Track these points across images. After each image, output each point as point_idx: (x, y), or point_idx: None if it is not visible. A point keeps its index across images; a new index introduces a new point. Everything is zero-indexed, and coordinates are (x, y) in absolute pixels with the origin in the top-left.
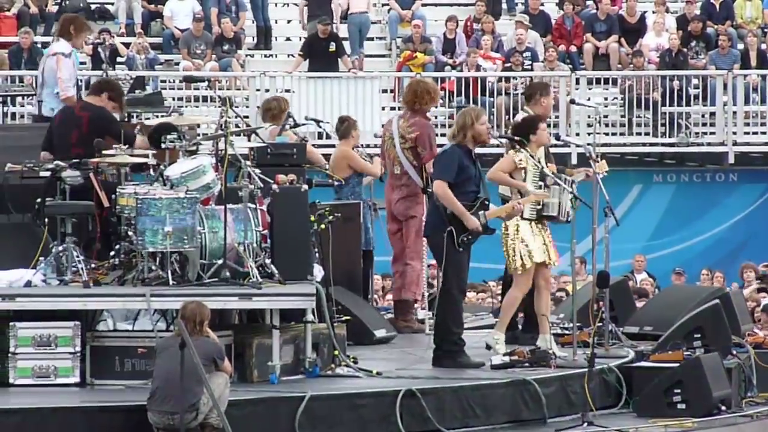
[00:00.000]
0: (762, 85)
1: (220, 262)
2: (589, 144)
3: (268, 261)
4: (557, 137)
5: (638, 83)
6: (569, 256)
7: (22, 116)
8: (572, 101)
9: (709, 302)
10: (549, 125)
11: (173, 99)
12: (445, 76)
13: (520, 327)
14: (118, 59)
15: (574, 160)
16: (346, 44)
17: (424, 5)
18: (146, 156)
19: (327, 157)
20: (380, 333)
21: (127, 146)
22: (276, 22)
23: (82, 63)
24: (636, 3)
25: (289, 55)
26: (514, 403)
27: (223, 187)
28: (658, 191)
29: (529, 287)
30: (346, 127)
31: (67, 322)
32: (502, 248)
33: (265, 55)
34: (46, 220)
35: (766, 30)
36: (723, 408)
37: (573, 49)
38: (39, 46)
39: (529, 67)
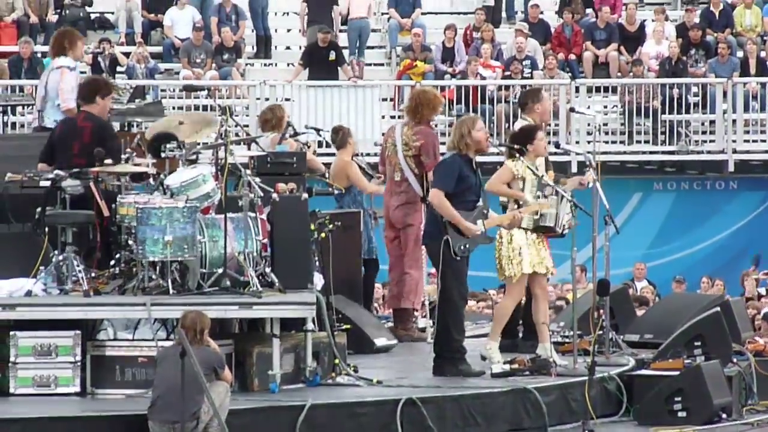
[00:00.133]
0: (762, 93)
1: (220, 271)
2: (589, 152)
3: (268, 270)
4: (557, 145)
5: (638, 91)
6: (569, 264)
7: (22, 126)
8: (572, 110)
9: (710, 310)
10: (549, 133)
11: (173, 108)
12: (444, 85)
13: (520, 335)
14: (118, 68)
15: (574, 168)
16: (346, 52)
17: (423, 14)
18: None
19: (327, 165)
20: (381, 342)
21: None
22: (276, 31)
23: (82, 72)
24: (635, 11)
25: (289, 64)
26: (515, 412)
27: (223, 196)
28: (658, 199)
29: (522, 296)
30: (341, 137)
31: (67, 331)
32: (495, 255)
33: (265, 64)
34: (47, 229)
35: (765, 38)
36: (723, 416)
37: (572, 57)
38: (39, 55)
39: (529, 75)
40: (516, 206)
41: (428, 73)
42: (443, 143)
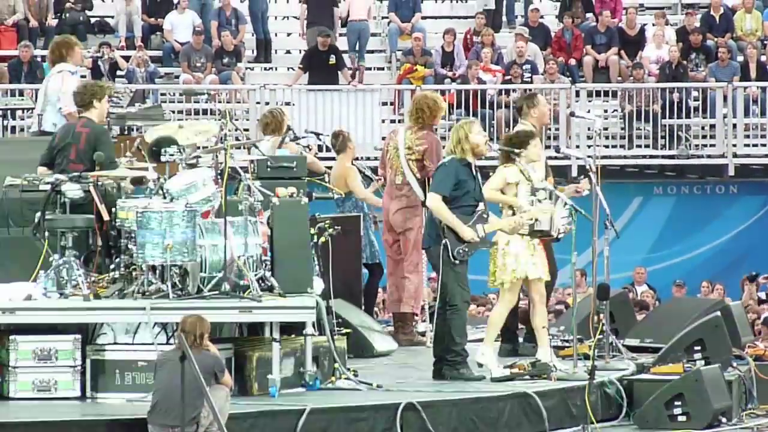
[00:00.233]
0: (762, 97)
1: (220, 275)
2: (589, 156)
3: (268, 274)
4: (557, 150)
5: (638, 95)
6: (570, 269)
7: (22, 130)
8: (572, 114)
9: (710, 314)
10: (549, 137)
11: (173, 112)
12: (444, 89)
13: (521, 339)
14: (118, 72)
15: (574, 173)
16: (346, 56)
17: (424, 18)
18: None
19: (328, 169)
20: (380, 346)
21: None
22: (276, 35)
23: (82, 76)
24: (636, 15)
25: (289, 68)
26: (515, 416)
27: (223, 200)
28: (658, 203)
29: (514, 302)
30: (341, 141)
31: (67, 335)
32: (489, 260)
33: (265, 68)
34: (46, 233)
35: (765, 42)
36: (723, 420)
37: (572, 61)
38: (38, 59)
39: (529, 79)
40: (510, 212)
41: (428, 77)
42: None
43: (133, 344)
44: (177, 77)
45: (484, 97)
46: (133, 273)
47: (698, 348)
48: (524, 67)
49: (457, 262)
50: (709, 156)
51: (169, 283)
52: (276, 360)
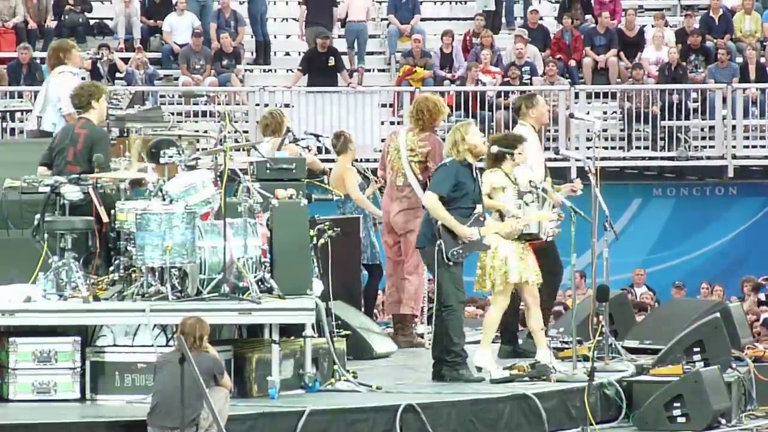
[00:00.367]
0: (761, 99)
1: (219, 276)
2: (588, 158)
3: (267, 276)
4: (556, 151)
5: (637, 97)
6: (569, 270)
7: (21, 132)
8: (571, 115)
9: (709, 316)
10: (548, 139)
11: (172, 114)
12: (444, 91)
13: (520, 341)
14: (117, 74)
15: (573, 174)
16: (345, 58)
17: (423, 20)
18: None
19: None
20: (380, 348)
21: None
22: (275, 37)
23: (82, 78)
24: (635, 17)
25: (288, 70)
26: (515, 418)
27: (223, 202)
28: (657, 205)
29: (507, 304)
30: (342, 142)
31: (66, 337)
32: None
33: (265, 70)
34: (46, 235)
35: (765, 43)
36: (723, 421)
37: (572, 63)
38: (38, 61)
39: (528, 81)
40: (498, 216)
41: (428, 79)
42: None
43: (132, 346)
44: (176, 79)
45: (483, 99)
46: (133, 275)
47: (698, 349)
48: (523, 69)
49: (451, 263)
50: (708, 157)
51: (168, 285)
52: (275, 362)
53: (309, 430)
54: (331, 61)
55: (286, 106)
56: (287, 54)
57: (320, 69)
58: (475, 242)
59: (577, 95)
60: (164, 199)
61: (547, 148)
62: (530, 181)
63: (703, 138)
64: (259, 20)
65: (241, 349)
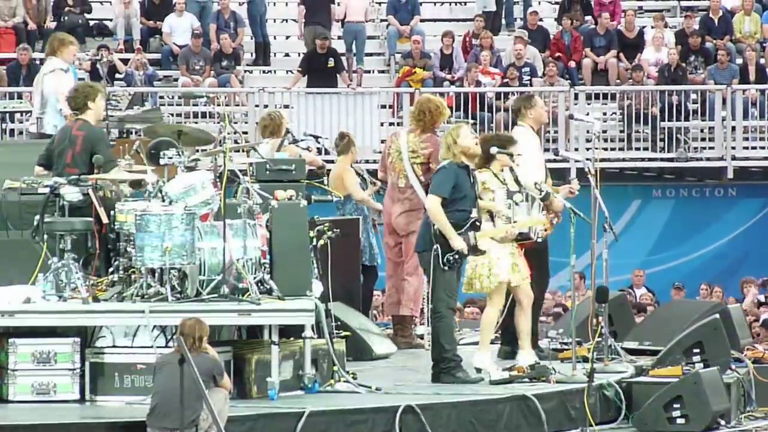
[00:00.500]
0: (761, 100)
1: (219, 278)
2: (588, 159)
3: (267, 277)
4: (556, 152)
5: (637, 98)
6: (568, 272)
7: (21, 133)
8: (571, 116)
9: (709, 317)
10: (548, 140)
11: (172, 115)
12: (443, 92)
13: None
14: (117, 75)
15: (573, 175)
16: (344, 59)
17: (423, 21)
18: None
19: (327, 172)
20: (379, 349)
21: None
22: (275, 38)
23: (80, 79)
24: (635, 18)
25: (287, 71)
26: (514, 419)
27: (222, 203)
28: (657, 206)
29: (502, 303)
30: (346, 143)
31: (66, 338)
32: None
33: (264, 71)
34: (45, 236)
35: (764, 45)
36: (722, 422)
37: (572, 64)
38: (37, 62)
39: (528, 82)
40: (489, 218)
41: (427, 80)
42: None
43: (132, 347)
44: (175, 80)
45: (483, 100)
46: (132, 276)
47: (697, 350)
48: (523, 70)
49: (446, 268)
50: (707, 159)
51: (168, 286)
52: (275, 363)
53: (308, 431)
54: (331, 63)
55: (286, 107)
56: (287, 55)
57: (320, 70)
58: (470, 248)
59: (576, 96)
60: (164, 200)
61: (546, 149)
62: (536, 183)
63: (703, 139)
64: (259, 21)
65: (241, 350)
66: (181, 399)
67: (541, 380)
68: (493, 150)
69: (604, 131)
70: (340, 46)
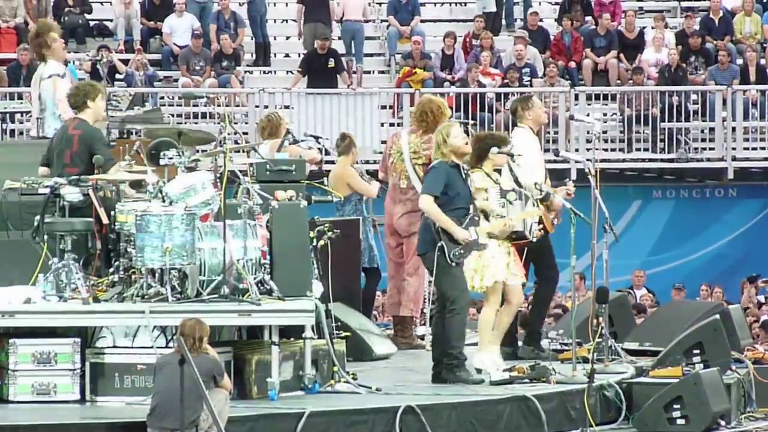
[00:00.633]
0: (761, 101)
1: (219, 278)
2: (588, 160)
3: (267, 277)
4: (556, 153)
5: (637, 99)
6: (569, 272)
7: (21, 133)
8: (571, 117)
9: (709, 318)
10: (548, 141)
11: (172, 116)
12: (444, 92)
13: (520, 343)
14: (117, 76)
15: (573, 176)
16: (343, 60)
17: (423, 21)
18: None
19: (327, 173)
20: (380, 349)
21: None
22: (275, 38)
23: (81, 79)
24: (635, 18)
25: (288, 72)
26: (514, 419)
27: (222, 204)
28: (657, 207)
29: (499, 303)
30: (347, 143)
31: (66, 338)
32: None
33: (264, 72)
34: (46, 237)
35: (765, 45)
36: (722, 423)
37: (572, 64)
38: (38, 62)
39: (528, 82)
40: (484, 217)
41: (427, 80)
42: None
43: (132, 347)
44: (176, 81)
45: (483, 101)
46: (133, 276)
47: (697, 351)
48: (523, 71)
49: (453, 264)
50: (708, 159)
51: (168, 287)
52: (275, 363)
53: (309, 431)
54: (331, 63)
55: (286, 107)
56: (287, 55)
57: (320, 71)
58: (473, 242)
59: (577, 97)
60: (164, 201)
61: (546, 150)
62: (535, 184)
63: (703, 140)
64: (259, 22)
65: (241, 350)
66: (181, 399)
67: (542, 381)
68: (494, 150)
69: (605, 132)
70: (338, 46)
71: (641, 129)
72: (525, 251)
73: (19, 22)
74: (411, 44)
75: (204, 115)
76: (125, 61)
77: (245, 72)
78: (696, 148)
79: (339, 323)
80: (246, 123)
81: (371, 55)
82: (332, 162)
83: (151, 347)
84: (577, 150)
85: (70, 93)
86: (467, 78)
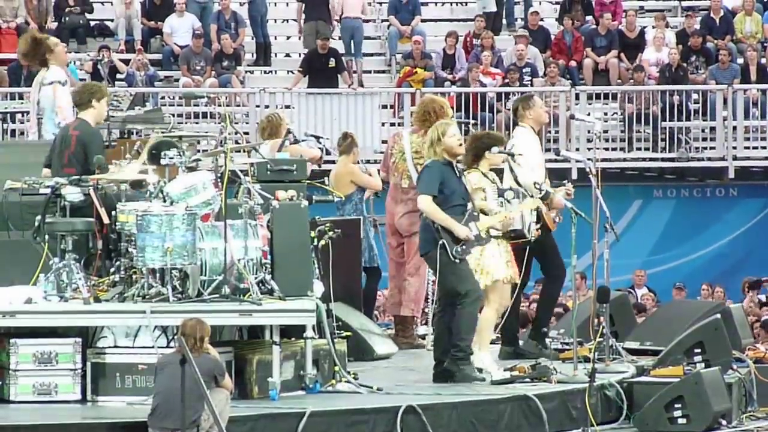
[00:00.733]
0: (762, 100)
1: (220, 278)
2: (588, 159)
3: (268, 277)
4: (557, 153)
5: (638, 98)
6: (570, 272)
7: (22, 133)
8: (572, 117)
9: (710, 317)
10: (548, 140)
11: (173, 116)
12: (444, 92)
13: (521, 342)
14: (118, 76)
15: (574, 176)
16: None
17: (423, 21)
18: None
19: (328, 173)
20: (381, 349)
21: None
22: (275, 38)
23: (81, 80)
24: (636, 18)
25: (288, 72)
26: (515, 419)
27: (223, 204)
28: (658, 206)
29: (500, 302)
30: (349, 142)
31: (67, 338)
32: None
33: (265, 72)
34: (46, 237)
35: (765, 44)
36: (723, 423)
37: (573, 64)
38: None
39: (529, 82)
40: (483, 215)
41: (428, 80)
42: None
43: (133, 347)
44: (176, 80)
45: (484, 100)
46: (134, 276)
47: (698, 350)
48: (524, 70)
49: (457, 260)
50: (709, 159)
51: (169, 287)
52: (276, 363)
53: (309, 431)
54: (332, 63)
55: (287, 107)
56: (287, 55)
57: (320, 70)
58: (474, 238)
59: (577, 96)
60: (165, 201)
61: (547, 149)
62: (535, 183)
63: (704, 139)
64: (260, 22)
65: (242, 350)
66: (182, 399)
67: (543, 380)
68: (494, 149)
69: (605, 131)
70: (338, 45)
71: (642, 128)
72: (527, 251)
73: (20, 22)
74: (411, 44)
75: (204, 115)
76: (126, 61)
77: (246, 72)
78: (697, 148)
79: (340, 323)
80: (247, 123)
81: (372, 54)
82: (333, 162)
83: (152, 347)
84: (577, 149)
85: (76, 90)
86: (468, 78)
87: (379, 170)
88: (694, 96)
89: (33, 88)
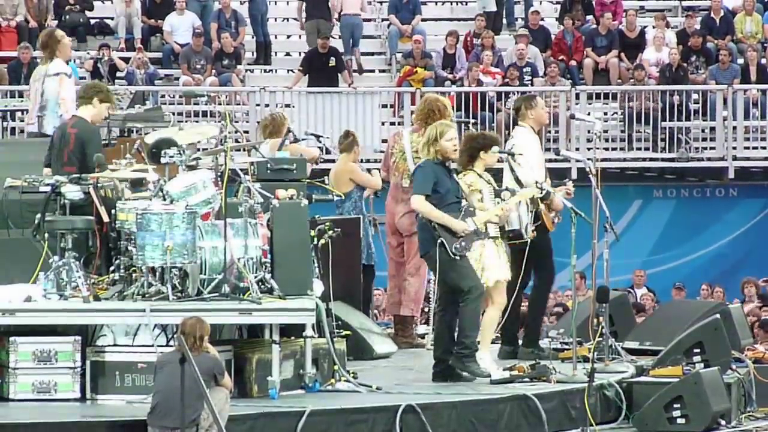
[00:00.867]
0: (762, 100)
1: (220, 277)
2: (588, 159)
3: (268, 276)
4: (557, 152)
5: (638, 98)
6: (569, 272)
7: (22, 131)
8: (572, 116)
9: (709, 317)
10: (548, 140)
11: (173, 114)
12: (445, 91)
13: (520, 342)
14: (118, 74)
15: (574, 175)
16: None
17: (424, 20)
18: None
19: (328, 171)
20: (380, 348)
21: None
22: (276, 37)
23: (81, 78)
24: (636, 18)
25: (288, 70)
26: (514, 418)
27: (223, 202)
28: (658, 206)
29: (504, 302)
30: (351, 141)
31: (67, 337)
32: None
33: (265, 70)
34: (46, 235)
35: (766, 45)
36: (722, 423)
37: (573, 64)
38: (38, 61)
39: (529, 81)
40: None
41: (428, 79)
42: None
43: (132, 346)
44: (177, 79)
45: (484, 100)
46: (133, 275)
47: (697, 351)
48: (524, 70)
49: (457, 257)
50: (709, 159)
51: (168, 285)
52: (276, 362)
53: (309, 430)
54: (332, 62)
55: (287, 106)
56: (288, 54)
57: (321, 69)
58: (472, 232)
59: (577, 96)
60: (165, 199)
61: (547, 149)
62: (536, 183)
63: (704, 139)
64: (260, 20)
65: (242, 349)
66: (181, 398)
67: (542, 380)
68: (494, 150)
69: (605, 131)
70: (338, 43)
71: (642, 128)
72: (527, 252)
73: (20, 20)
74: (412, 43)
75: (205, 114)
76: (126, 60)
77: (246, 70)
78: (697, 148)
79: (339, 322)
80: (247, 122)
81: (372, 53)
82: (333, 161)
83: (152, 346)
84: (577, 149)
85: (85, 85)
86: (468, 77)
87: (379, 170)
88: (694, 96)
89: (35, 79)
